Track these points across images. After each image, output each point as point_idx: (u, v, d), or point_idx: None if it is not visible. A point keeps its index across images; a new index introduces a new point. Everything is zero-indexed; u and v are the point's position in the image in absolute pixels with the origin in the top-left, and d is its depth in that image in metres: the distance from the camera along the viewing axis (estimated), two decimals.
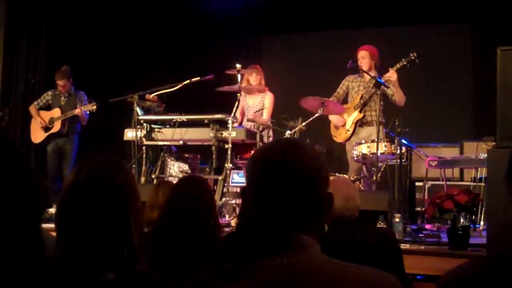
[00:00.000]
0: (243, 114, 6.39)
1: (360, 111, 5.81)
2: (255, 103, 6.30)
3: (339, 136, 6.00)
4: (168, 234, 2.53)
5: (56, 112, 6.69)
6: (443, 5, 7.34)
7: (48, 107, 6.81)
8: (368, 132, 5.76)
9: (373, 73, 5.74)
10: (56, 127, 6.65)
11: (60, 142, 6.71)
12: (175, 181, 4.63)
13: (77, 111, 6.49)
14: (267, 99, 6.25)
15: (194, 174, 5.60)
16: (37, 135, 6.75)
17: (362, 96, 5.78)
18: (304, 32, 8.25)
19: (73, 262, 1.38)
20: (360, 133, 5.83)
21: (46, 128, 6.71)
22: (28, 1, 7.64)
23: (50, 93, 6.86)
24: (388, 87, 5.57)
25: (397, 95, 5.65)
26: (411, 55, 5.49)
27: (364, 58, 5.80)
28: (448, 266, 1.22)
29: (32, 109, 6.82)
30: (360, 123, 5.83)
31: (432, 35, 7.56)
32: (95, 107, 6.47)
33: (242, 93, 5.98)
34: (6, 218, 1.05)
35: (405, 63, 5.52)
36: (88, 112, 6.58)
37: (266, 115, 6.19)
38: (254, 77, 6.17)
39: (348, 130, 5.87)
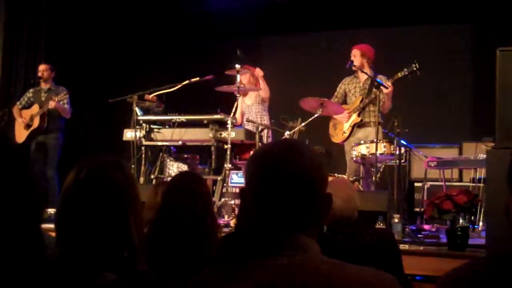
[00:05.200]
0: (242, 115, 6.40)
1: (359, 115, 5.81)
2: (252, 101, 6.33)
3: (336, 137, 6.01)
4: (167, 229, 2.51)
5: (35, 108, 6.59)
6: (443, 6, 7.34)
7: (31, 106, 6.71)
8: (365, 133, 5.77)
9: (367, 71, 5.74)
10: (36, 123, 6.53)
11: (42, 139, 6.58)
12: None
13: (51, 103, 6.37)
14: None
15: (189, 170, 5.58)
16: (21, 135, 6.60)
17: (362, 100, 5.78)
18: (303, 32, 8.25)
19: (73, 263, 1.38)
20: (357, 134, 5.83)
21: (27, 126, 6.59)
22: (27, 1, 7.63)
23: (31, 90, 6.78)
24: (386, 88, 5.56)
25: (386, 104, 5.65)
26: (413, 65, 5.43)
27: (355, 56, 5.81)
28: (447, 267, 1.22)
29: (15, 109, 6.73)
30: (358, 125, 5.84)
31: (432, 36, 7.56)
32: (67, 95, 6.40)
33: (240, 94, 5.96)
34: (6, 219, 1.05)
35: (406, 73, 5.46)
36: (64, 103, 6.48)
37: (263, 90, 6.21)
38: (244, 77, 6.18)
39: (345, 132, 5.88)
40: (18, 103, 6.78)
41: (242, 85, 5.89)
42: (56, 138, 6.63)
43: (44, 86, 6.74)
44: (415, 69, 5.43)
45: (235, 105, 6.09)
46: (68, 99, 6.59)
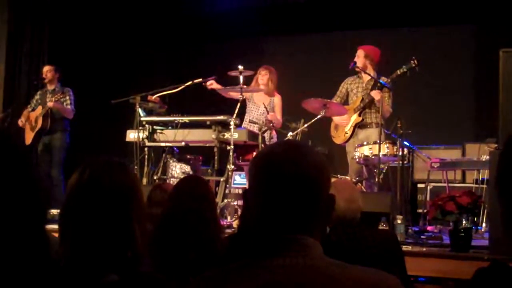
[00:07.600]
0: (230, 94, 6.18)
1: (360, 115, 5.79)
2: (265, 104, 6.14)
3: (337, 138, 5.99)
4: (173, 233, 2.51)
5: (39, 109, 6.65)
6: (446, 7, 7.34)
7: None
8: (366, 134, 5.74)
9: (370, 72, 5.73)
10: (39, 123, 6.58)
11: (47, 140, 6.64)
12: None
13: (49, 104, 6.43)
14: (276, 100, 6.25)
15: (195, 174, 5.59)
16: (28, 136, 6.68)
17: (362, 99, 5.77)
18: (306, 33, 8.25)
19: (76, 263, 1.38)
20: (359, 135, 5.82)
21: (32, 128, 6.65)
22: (30, 2, 7.65)
23: (39, 92, 6.85)
24: (390, 89, 5.54)
25: (384, 108, 5.57)
26: (412, 62, 5.38)
27: (358, 57, 5.79)
28: (450, 268, 1.23)
29: (26, 113, 6.80)
30: (360, 125, 5.83)
31: (435, 37, 7.56)
32: (65, 95, 6.45)
33: (244, 95, 5.94)
34: (10, 219, 1.06)
35: (405, 70, 5.42)
36: (67, 104, 6.50)
37: (279, 116, 6.22)
38: (262, 76, 6.15)
39: (347, 133, 5.86)
40: (28, 106, 6.87)
41: (256, 85, 5.89)
42: (61, 139, 6.67)
43: (49, 87, 6.80)
44: (413, 65, 5.39)
45: (237, 105, 6.05)
46: (71, 100, 6.63)
